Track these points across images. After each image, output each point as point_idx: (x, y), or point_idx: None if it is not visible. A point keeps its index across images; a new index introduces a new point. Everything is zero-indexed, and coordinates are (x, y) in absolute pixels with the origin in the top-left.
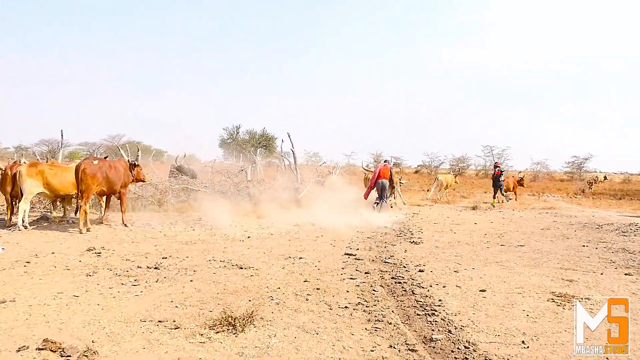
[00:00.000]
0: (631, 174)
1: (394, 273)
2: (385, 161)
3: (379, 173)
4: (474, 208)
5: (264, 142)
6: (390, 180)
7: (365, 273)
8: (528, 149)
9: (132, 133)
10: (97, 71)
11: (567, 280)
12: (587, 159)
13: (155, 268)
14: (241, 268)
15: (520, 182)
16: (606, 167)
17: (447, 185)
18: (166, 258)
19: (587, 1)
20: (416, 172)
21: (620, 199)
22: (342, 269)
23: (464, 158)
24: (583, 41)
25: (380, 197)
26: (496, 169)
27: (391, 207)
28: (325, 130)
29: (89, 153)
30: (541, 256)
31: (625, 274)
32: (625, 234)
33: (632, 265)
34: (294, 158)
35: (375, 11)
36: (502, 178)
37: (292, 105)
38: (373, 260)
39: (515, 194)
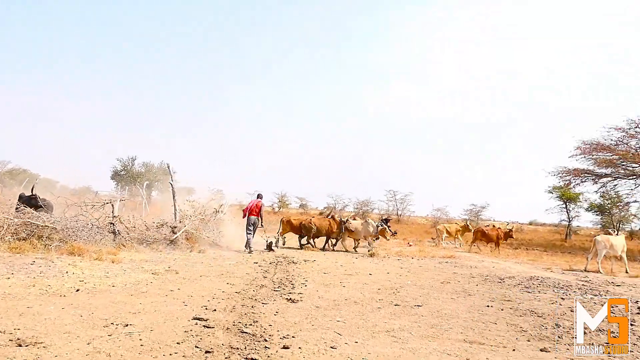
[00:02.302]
0: (522, 223)
1: (248, 351)
2: (258, 196)
3: (250, 209)
4: (371, 255)
5: (161, 177)
6: (260, 217)
7: (206, 352)
8: (429, 195)
9: (23, 161)
10: None
11: None
12: (484, 207)
13: None
14: (20, 346)
15: (509, 234)
16: (499, 216)
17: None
18: None
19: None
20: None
21: (516, 248)
22: (178, 344)
23: (367, 202)
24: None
25: (249, 232)
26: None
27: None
28: (233, 169)
29: None
30: (441, 322)
31: (541, 350)
32: (529, 290)
33: (546, 337)
34: (173, 193)
35: (290, 50)
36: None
37: (202, 143)
38: (227, 329)
39: (497, 245)
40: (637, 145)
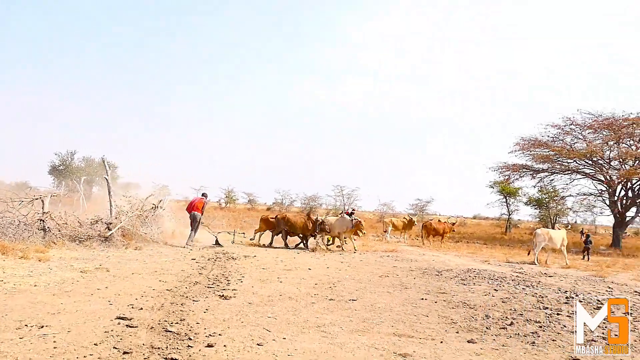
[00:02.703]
0: (466, 217)
1: (169, 351)
2: (203, 195)
3: (192, 205)
4: (313, 250)
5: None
6: (201, 213)
7: (125, 353)
8: (376, 190)
9: None
10: None
11: (400, 355)
12: (429, 202)
13: None
14: None
15: (452, 228)
16: (445, 211)
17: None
18: None
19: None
20: (268, 209)
21: (457, 242)
22: (95, 345)
23: (315, 197)
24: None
25: (192, 228)
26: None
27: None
28: (180, 165)
29: None
30: (374, 315)
31: (468, 341)
32: (465, 282)
33: (475, 328)
34: (108, 188)
35: (241, 44)
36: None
37: (149, 138)
38: (151, 328)
39: (442, 237)
40: (572, 142)
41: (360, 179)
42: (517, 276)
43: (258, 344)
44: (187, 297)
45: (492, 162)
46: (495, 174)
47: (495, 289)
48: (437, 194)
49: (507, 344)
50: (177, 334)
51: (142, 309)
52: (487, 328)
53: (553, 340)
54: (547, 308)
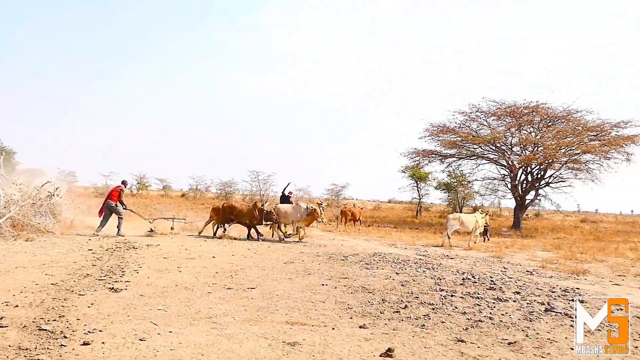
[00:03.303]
0: (381, 202)
1: (38, 352)
2: (122, 182)
3: (109, 194)
4: (220, 237)
5: None
6: (122, 203)
7: None
8: (292, 175)
9: None
10: None
11: (289, 343)
12: (344, 187)
13: None
14: None
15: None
16: (361, 195)
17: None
18: None
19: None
20: (182, 195)
21: (369, 225)
22: None
23: (231, 182)
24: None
25: (105, 218)
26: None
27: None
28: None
29: None
30: (270, 304)
31: (360, 326)
32: (369, 267)
33: (369, 313)
34: None
35: (160, 31)
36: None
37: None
38: (24, 327)
39: (361, 223)
40: (478, 128)
41: (276, 164)
42: (420, 259)
43: (141, 339)
44: (72, 291)
45: (403, 148)
46: (406, 159)
47: (397, 273)
48: (353, 179)
49: (398, 327)
50: (52, 332)
51: (17, 306)
52: (381, 312)
53: (442, 322)
54: (442, 290)
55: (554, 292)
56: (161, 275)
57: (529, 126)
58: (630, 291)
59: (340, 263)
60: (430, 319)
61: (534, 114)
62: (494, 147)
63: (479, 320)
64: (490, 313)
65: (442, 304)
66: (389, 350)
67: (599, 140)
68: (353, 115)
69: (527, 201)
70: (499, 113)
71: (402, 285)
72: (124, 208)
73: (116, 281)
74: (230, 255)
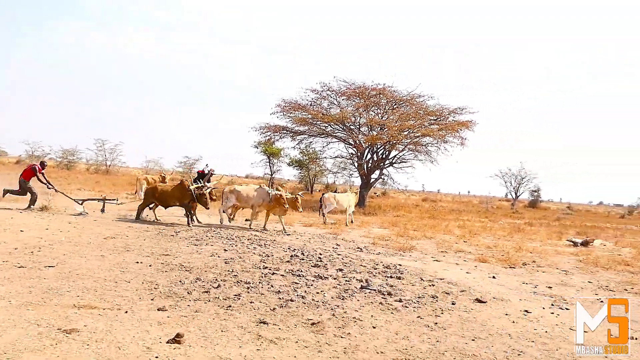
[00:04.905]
0: (239, 176)
1: None
2: (41, 163)
3: (23, 172)
4: (41, 209)
5: None
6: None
7: None
8: (143, 146)
9: None
10: None
11: (64, 331)
12: (197, 160)
13: None
14: None
15: None
16: (218, 169)
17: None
18: None
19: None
20: (17, 162)
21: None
22: None
23: (73, 151)
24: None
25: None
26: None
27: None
28: None
29: None
30: (64, 284)
31: (159, 309)
32: (198, 243)
33: (175, 293)
34: None
35: None
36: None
37: None
38: None
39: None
40: (328, 107)
41: (125, 133)
42: (254, 235)
43: None
44: None
45: (254, 122)
46: (257, 134)
47: (225, 250)
48: (207, 152)
49: (201, 309)
50: None
51: None
52: (188, 293)
53: (251, 302)
54: (266, 268)
55: (376, 268)
56: None
57: (376, 107)
58: (447, 267)
59: (169, 239)
60: (240, 299)
61: (380, 96)
62: (343, 127)
63: (291, 300)
64: (305, 292)
65: (260, 282)
66: (178, 335)
67: (438, 125)
68: (210, 83)
69: (372, 180)
70: (348, 93)
71: (225, 262)
72: (48, 188)
73: None
74: (44, 229)
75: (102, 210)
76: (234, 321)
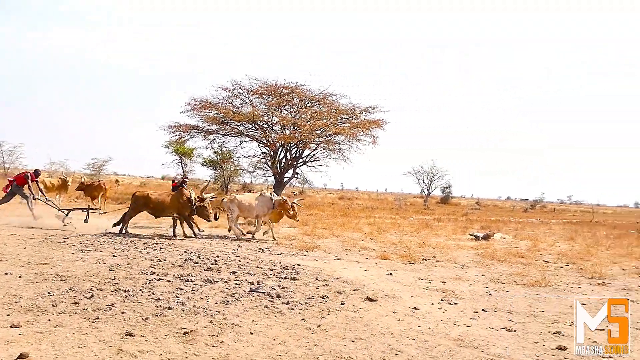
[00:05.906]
0: (155, 178)
1: None
2: (35, 171)
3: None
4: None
5: None
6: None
7: None
8: (46, 148)
9: None
10: None
11: None
12: (107, 161)
13: None
14: None
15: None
16: (132, 171)
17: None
18: None
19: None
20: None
21: (121, 203)
22: None
23: None
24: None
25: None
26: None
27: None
28: None
29: None
30: None
31: (12, 326)
32: (87, 249)
33: (38, 306)
34: None
35: None
36: None
37: None
38: None
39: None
40: (240, 105)
41: (26, 135)
42: (151, 240)
43: None
44: None
45: (163, 122)
46: (167, 134)
47: (114, 255)
48: (118, 154)
49: (62, 323)
50: None
51: None
52: (53, 305)
53: (123, 313)
54: (154, 273)
55: (273, 270)
56: None
57: (288, 106)
58: (347, 265)
59: (54, 246)
60: (112, 309)
61: (293, 94)
62: (255, 125)
63: (168, 308)
64: (188, 298)
65: (141, 290)
66: (21, 356)
67: (350, 123)
68: (118, 82)
69: (285, 179)
70: (260, 91)
71: (110, 269)
72: (33, 198)
73: None
74: None
75: (86, 221)
76: (97, 335)
